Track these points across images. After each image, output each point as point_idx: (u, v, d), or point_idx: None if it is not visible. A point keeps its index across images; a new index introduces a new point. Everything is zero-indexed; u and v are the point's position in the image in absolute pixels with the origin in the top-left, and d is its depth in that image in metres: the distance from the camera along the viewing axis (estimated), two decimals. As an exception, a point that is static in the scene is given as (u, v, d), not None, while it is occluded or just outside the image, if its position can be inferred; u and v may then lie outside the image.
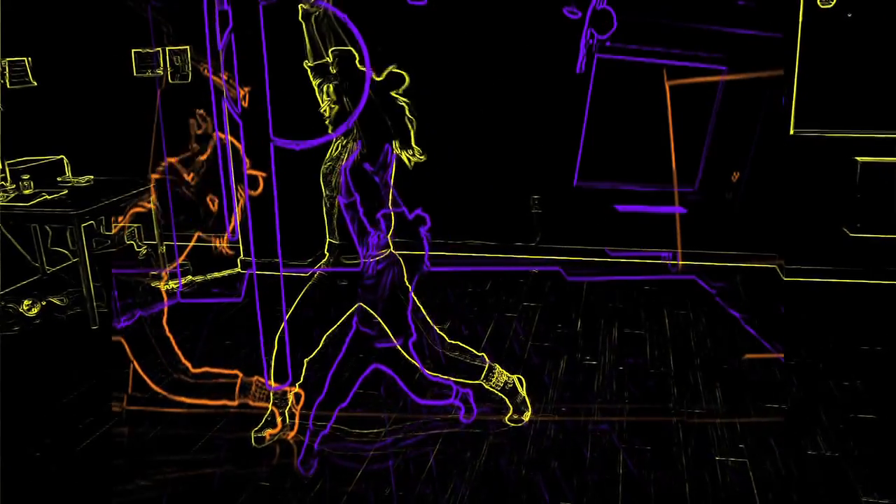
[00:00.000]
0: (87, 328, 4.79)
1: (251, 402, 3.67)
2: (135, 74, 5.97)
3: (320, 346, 3.40)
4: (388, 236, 3.30)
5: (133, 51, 5.92)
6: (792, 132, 5.22)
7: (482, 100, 5.61)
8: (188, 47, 5.76)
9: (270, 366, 3.43)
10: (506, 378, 3.59)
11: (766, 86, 5.22)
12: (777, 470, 3.25)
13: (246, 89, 3.84)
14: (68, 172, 5.65)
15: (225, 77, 3.91)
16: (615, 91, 5.44)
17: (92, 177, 5.47)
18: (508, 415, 3.62)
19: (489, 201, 5.84)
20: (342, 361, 3.52)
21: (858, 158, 5.15)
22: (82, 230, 4.77)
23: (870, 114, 5.11)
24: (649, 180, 5.59)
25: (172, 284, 5.41)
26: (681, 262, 5.58)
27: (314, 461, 3.37)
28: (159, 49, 5.83)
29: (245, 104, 4.00)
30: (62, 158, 5.70)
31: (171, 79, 5.90)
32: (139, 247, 5.80)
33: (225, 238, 3.84)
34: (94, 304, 4.81)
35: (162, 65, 5.88)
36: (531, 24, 5.43)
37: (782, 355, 4.17)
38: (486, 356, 3.57)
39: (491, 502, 3.10)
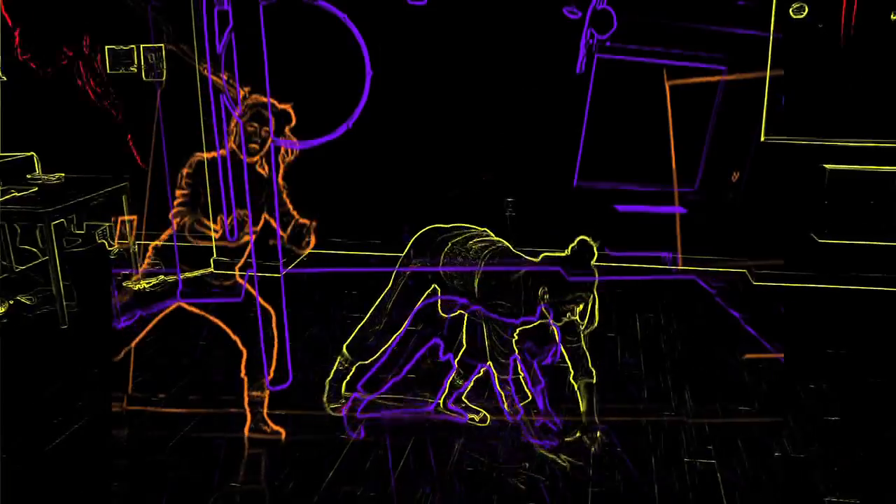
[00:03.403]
0: (56, 327, 4.72)
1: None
2: (108, 71, 5.91)
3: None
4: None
5: (107, 47, 5.85)
6: (763, 139, 5.30)
7: (482, 100, 5.63)
8: (162, 45, 5.71)
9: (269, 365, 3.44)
10: None
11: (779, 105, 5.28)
12: (744, 471, 3.30)
13: (246, 89, 3.81)
14: (38, 170, 5.57)
15: (225, 77, 3.88)
16: (615, 91, 5.47)
17: (63, 174, 5.39)
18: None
19: (489, 203, 5.85)
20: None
21: (826, 166, 5.24)
22: (52, 228, 4.71)
23: (838, 122, 5.21)
24: (649, 180, 5.62)
25: (144, 284, 5.35)
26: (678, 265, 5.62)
27: (360, 427, 3.55)
28: (133, 46, 5.78)
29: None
30: (32, 155, 5.62)
31: (146, 76, 5.84)
32: (111, 245, 5.73)
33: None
34: (64, 303, 4.75)
35: (136, 62, 5.82)
36: (531, 24, 5.45)
37: (782, 355, 4.20)
38: None
39: (461, 501, 3.12)
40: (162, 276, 5.42)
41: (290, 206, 3.64)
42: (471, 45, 5.53)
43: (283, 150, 3.53)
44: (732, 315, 4.83)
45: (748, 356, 4.24)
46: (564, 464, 3.27)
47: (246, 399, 3.52)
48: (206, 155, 3.50)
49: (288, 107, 3.55)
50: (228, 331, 3.46)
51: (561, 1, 5.29)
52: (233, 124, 3.48)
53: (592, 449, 3.21)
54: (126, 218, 5.38)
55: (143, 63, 5.80)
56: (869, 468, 3.34)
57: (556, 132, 5.64)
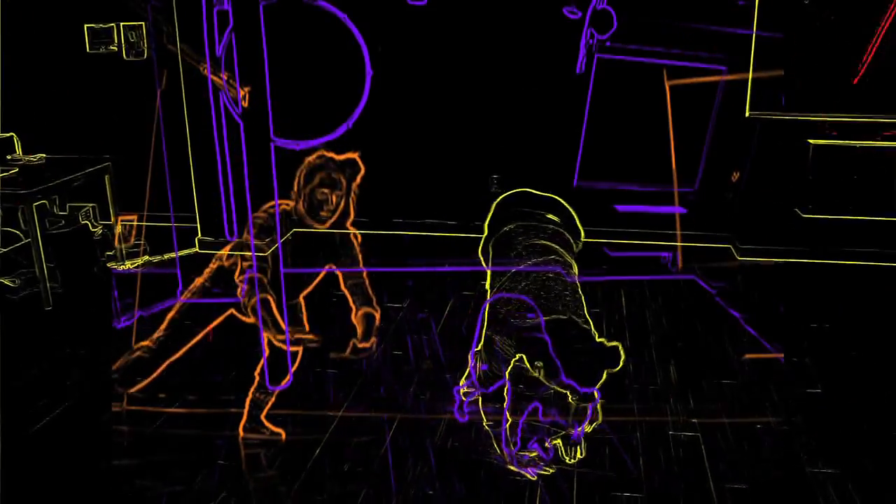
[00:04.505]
0: (41, 309, 4.69)
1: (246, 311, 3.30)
2: (88, 50, 5.82)
3: None
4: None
5: (86, 26, 5.77)
6: (747, 114, 5.31)
7: (482, 100, 5.61)
8: (143, 23, 5.63)
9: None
10: None
11: (766, 86, 5.26)
12: (728, 443, 3.35)
13: (246, 89, 3.75)
14: (19, 150, 5.50)
15: (225, 77, 3.79)
16: (615, 91, 5.45)
17: (44, 155, 5.33)
18: None
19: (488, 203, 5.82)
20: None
21: (811, 141, 5.27)
22: (34, 210, 4.66)
23: (823, 97, 5.23)
24: (649, 180, 5.62)
25: (129, 265, 5.33)
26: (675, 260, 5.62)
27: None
28: (113, 24, 5.69)
29: (245, 104, 3.89)
30: (12, 136, 5.55)
31: (127, 55, 5.77)
32: (94, 227, 5.69)
33: None
34: (48, 285, 4.71)
35: (116, 41, 5.74)
36: (531, 24, 5.42)
37: (782, 356, 4.21)
38: None
39: (452, 485, 3.14)
40: (147, 257, 5.41)
41: (367, 283, 3.28)
42: (471, 45, 5.51)
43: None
44: (732, 315, 4.84)
45: (748, 356, 4.25)
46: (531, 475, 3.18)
47: (248, 399, 3.45)
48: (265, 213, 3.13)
49: (355, 155, 3.20)
50: (264, 332, 3.35)
51: (561, 1, 5.26)
52: (297, 187, 3.05)
53: (568, 459, 3.17)
54: (125, 218, 5.35)
55: (123, 42, 5.73)
56: (850, 439, 3.40)
57: (556, 132, 5.63)
